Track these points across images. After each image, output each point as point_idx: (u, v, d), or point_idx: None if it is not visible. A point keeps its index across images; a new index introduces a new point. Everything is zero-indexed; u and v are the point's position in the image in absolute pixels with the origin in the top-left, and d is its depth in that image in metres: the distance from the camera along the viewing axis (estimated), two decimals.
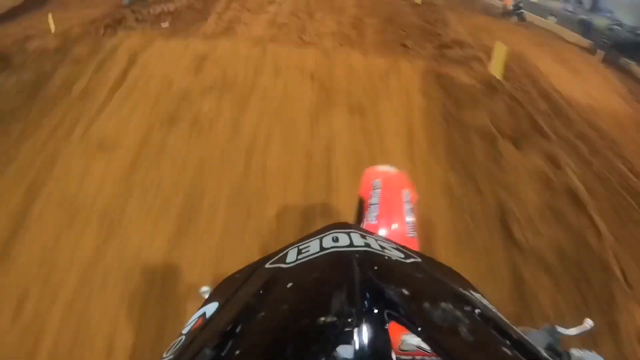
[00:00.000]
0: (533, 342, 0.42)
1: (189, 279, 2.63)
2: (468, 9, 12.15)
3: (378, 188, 0.89)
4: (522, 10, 17.80)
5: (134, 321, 2.44)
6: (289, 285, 0.46)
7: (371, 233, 0.52)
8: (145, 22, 7.12)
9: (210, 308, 0.49)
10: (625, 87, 6.84)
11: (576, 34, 13.63)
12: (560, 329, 0.89)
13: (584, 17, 14.46)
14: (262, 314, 0.42)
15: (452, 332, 0.36)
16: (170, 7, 7.82)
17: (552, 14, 16.43)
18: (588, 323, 0.87)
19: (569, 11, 17.55)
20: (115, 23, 6.78)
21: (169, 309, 2.48)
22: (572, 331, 0.89)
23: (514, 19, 15.40)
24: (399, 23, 7.88)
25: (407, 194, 0.90)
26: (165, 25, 6.98)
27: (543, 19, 16.49)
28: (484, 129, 4.21)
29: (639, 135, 5.09)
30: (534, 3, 18.80)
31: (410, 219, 0.87)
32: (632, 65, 8.19)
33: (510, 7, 16.96)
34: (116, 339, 2.36)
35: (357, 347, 0.37)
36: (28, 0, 7.92)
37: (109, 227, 2.96)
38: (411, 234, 0.84)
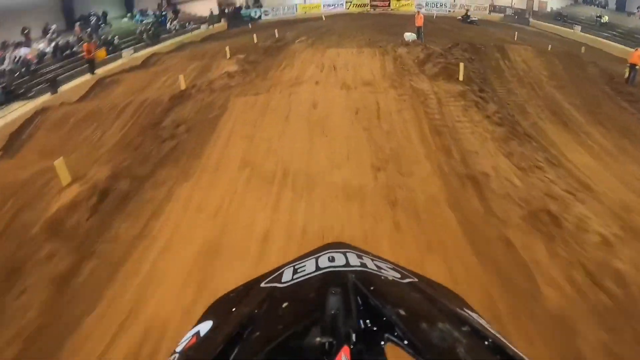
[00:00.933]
0: None
1: None
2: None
3: None
4: (474, 19, 20.67)
5: None
6: (285, 304, 0.46)
7: (367, 253, 0.52)
8: None
9: (204, 327, 0.48)
10: None
11: None
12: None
13: None
14: (258, 333, 0.41)
15: (451, 353, 0.36)
16: None
17: None
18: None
19: None
20: None
21: None
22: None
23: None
24: None
25: None
26: None
27: None
28: None
29: None
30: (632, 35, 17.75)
31: None
32: None
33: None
34: None
35: None
36: None
37: None
38: None
